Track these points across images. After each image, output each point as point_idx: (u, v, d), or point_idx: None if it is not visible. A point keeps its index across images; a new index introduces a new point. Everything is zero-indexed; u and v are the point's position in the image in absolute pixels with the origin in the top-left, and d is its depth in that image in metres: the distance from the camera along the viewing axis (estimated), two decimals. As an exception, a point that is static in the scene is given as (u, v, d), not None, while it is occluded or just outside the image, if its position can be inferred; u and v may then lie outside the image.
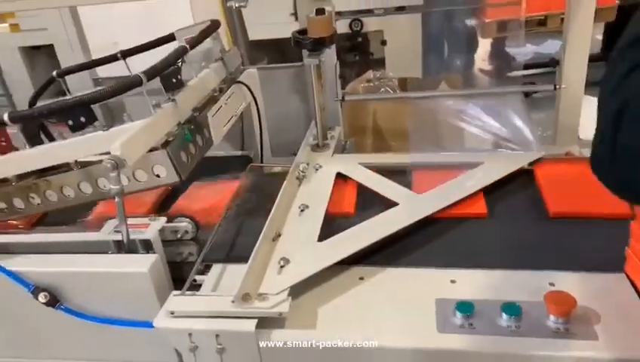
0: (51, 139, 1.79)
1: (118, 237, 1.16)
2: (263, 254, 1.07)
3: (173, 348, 1.05)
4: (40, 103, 1.79)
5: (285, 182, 1.28)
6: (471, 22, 4.04)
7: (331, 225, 1.19)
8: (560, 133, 1.76)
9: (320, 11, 1.35)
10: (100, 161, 1.09)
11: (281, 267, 1.04)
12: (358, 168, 1.38)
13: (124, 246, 1.16)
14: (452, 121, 2.44)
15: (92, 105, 1.16)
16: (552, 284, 0.98)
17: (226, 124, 1.38)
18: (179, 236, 1.23)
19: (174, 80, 1.23)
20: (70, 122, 1.15)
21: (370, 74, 2.83)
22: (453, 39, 3.94)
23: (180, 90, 1.25)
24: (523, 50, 4.26)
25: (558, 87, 1.67)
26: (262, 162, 1.63)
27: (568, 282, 0.97)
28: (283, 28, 3.56)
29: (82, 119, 1.14)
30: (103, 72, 2.18)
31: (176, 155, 1.18)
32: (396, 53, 3.60)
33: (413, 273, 1.05)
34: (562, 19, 3.90)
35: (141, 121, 1.13)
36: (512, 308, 0.91)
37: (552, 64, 1.76)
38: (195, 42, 1.32)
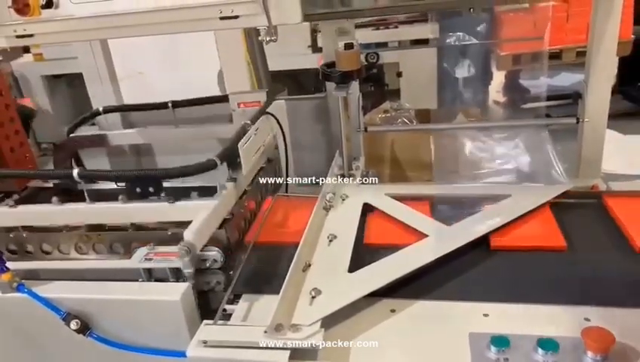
0: (80, 165, 1.85)
1: (149, 265, 1.17)
2: (294, 284, 1.07)
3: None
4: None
5: (313, 212, 1.29)
6: (486, 55, 4.10)
7: (360, 256, 1.19)
8: (583, 166, 1.75)
9: (348, 45, 1.38)
10: (163, 229, 1.29)
11: (313, 298, 1.04)
12: (384, 199, 1.38)
13: (154, 275, 1.18)
14: (472, 153, 2.44)
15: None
16: (587, 320, 0.97)
17: (254, 154, 1.41)
18: (208, 265, 1.23)
19: (238, 160, 1.32)
20: (138, 189, 1.27)
21: (387, 105, 2.86)
22: (468, 71, 3.99)
23: (240, 169, 1.35)
24: (537, 83, 4.29)
25: (581, 120, 1.68)
26: (287, 191, 1.64)
27: (604, 318, 0.96)
28: (301, 59, 3.66)
29: (151, 189, 1.27)
30: (128, 98, 2.23)
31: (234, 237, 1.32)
32: (412, 85, 3.65)
33: (445, 306, 1.05)
34: (577, 53, 3.94)
35: (208, 206, 1.23)
36: (548, 344, 0.90)
37: (573, 97, 1.76)
38: (255, 119, 1.45)
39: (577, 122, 1.68)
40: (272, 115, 1.53)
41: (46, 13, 1.42)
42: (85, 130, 1.98)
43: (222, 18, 1.33)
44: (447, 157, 2.55)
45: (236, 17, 1.32)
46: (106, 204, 1.30)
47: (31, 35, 1.53)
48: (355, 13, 1.71)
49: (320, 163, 2.30)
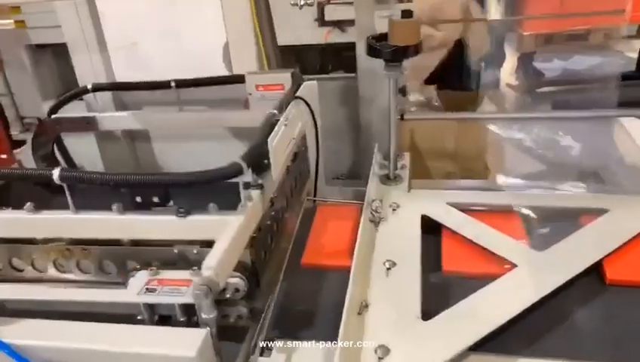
0: (65, 153, 1.56)
1: (151, 299, 0.88)
2: (350, 336, 0.79)
3: None
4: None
5: (360, 227, 1.00)
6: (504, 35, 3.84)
7: (426, 288, 0.92)
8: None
9: (407, 13, 1.08)
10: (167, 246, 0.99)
11: (380, 359, 0.76)
12: (448, 210, 1.10)
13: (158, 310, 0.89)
14: (504, 143, 2.21)
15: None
16: None
17: (286, 148, 1.10)
18: (227, 295, 0.95)
19: (266, 161, 1.01)
20: (138, 199, 0.99)
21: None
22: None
23: (267, 172, 1.03)
24: (551, 66, 4.07)
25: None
26: (316, 188, 1.35)
27: None
28: (306, 34, 3.34)
29: (155, 199, 0.99)
30: (120, 72, 1.91)
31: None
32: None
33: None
34: (605, 35, 3.69)
35: (230, 225, 0.92)
36: None
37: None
38: (283, 105, 1.16)
39: (657, 115, 1.42)
40: (304, 99, 1.23)
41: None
42: (70, 111, 1.66)
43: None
44: (473, 147, 2.33)
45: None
46: (96, 214, 1.00)
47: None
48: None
49: (345, 154, 2.02)
